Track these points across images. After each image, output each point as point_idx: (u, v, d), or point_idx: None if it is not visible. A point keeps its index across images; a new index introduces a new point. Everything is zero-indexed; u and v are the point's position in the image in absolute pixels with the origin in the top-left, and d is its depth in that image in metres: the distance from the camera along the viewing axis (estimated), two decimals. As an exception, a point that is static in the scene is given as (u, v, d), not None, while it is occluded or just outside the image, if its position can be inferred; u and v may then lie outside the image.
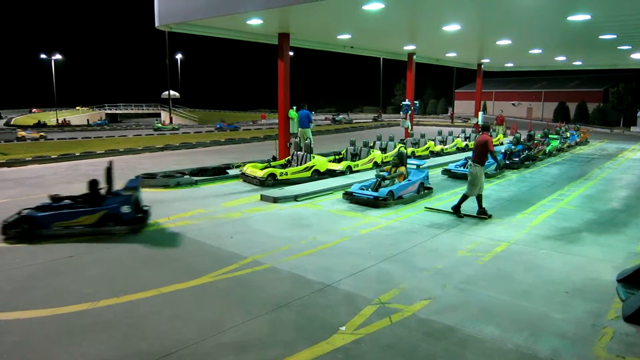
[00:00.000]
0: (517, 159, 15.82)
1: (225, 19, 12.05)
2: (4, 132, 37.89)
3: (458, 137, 21.74)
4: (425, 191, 11.25)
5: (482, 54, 22.27)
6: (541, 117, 54.17)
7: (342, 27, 14.11)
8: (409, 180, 10.83)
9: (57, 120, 55.08)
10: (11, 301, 5.34)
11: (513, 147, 16.52)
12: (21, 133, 32.13)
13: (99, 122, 49.26)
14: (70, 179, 13.83)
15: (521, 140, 17.37)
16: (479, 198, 9.30)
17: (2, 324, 4.77)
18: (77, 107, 68.30)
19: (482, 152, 9.23)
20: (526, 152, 16.64)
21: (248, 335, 4.58)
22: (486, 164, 10.13)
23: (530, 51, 19.24)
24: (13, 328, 4.70)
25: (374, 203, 9.98)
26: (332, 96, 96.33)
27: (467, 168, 10.86)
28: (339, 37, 15.91)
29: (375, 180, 10.69)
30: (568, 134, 22.87)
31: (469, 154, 12.60)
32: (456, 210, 9.32)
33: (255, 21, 12.18)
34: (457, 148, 20.37)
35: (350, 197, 10.47)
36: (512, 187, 12.52)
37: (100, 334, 4.59)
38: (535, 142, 18.37)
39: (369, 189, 10.47)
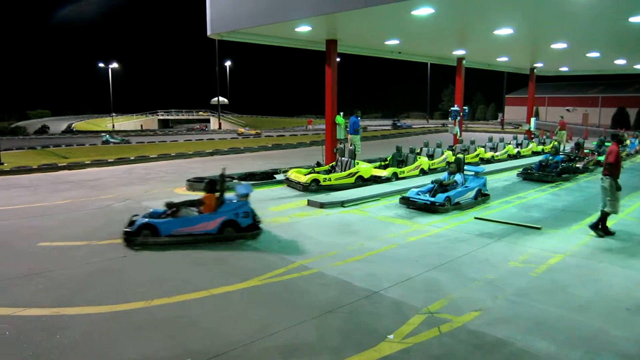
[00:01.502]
0: (553, 172, 14.21)
1: (275, 27, 12.25)
2: (64, 136, 39.99)
3: (509, 143, 21.13)
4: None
5: (535, 58, 21.59)
6: (598, 124, 51.89)
7: (391, 32, 14.04)
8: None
9: (113, 125, 57.53)
10: (73, 297, 5.60)
11: (551, 157, 15.03)
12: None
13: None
14: (125, 182, 14.39)
15: (561, 149, 16.10)
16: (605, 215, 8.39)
17: (65, 319, 5.02)
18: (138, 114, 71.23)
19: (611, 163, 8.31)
20: (565, 163, 14.88)
21: (295, 339, 4.61)
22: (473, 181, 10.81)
23: (588, 54, 18.48)
24: (75, 323, 4.93)
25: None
26: (379, 102, 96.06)
27: (429, 196, 10.32)
28: (386, 42, 15.84)
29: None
30: (628, 142, 21.78)
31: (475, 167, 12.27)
32: (596, 228, 8.34)
33: (303, 28, 12.32)
34: (509, 155, 19.80)
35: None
36: (567, 197, 12.04)
37: (154, 332, 4.74)
38: (586, 151, 17.10)
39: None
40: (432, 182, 10.76)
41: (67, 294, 5.71)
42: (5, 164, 18.29)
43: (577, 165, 15.66)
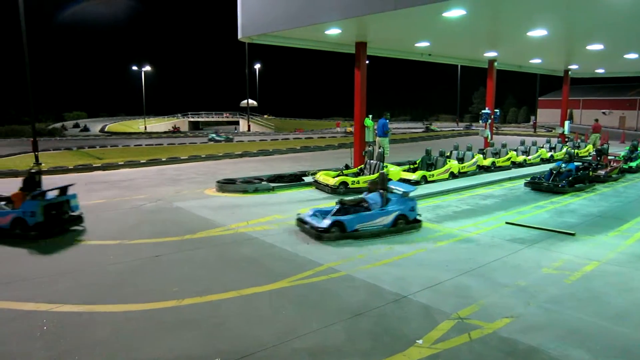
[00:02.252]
0: (564, 181, 12.76)
1: (305, 30, 12.31)
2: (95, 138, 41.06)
3: (542, 147, 20.66)
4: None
5: (569, 59, 21.07)
6: (636, 127, 50.24)
7: (421, 34, 13.94)
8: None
9: (145, 127, 58.82)
10: (106, 295, 5.75)
11: (564, 165, 13.45)
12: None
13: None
14: (157, 182, 14.69)
15: (575, 156, 14.50)
16: None
17: (99, 316, 5.16)
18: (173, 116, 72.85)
19: None
20: (581, 172, 13.46)
21: (324, 342, 4.61)
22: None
23: (625, 56, 17.93)
24: (108, 320, 5.06)
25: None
26: (407, 104, 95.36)
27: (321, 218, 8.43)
28: (417, 44, 15.72)
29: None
30: None
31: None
32: None
33: (333, 31, 12.34)
34: (542, 159, 19.34)
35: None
36: (603, 202, 11.69)
37: (185, 331, 4.82)
38: (610, 158, 15.77)
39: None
40: (337, 203, 8.86)
41: (101, 291, 5.87)
42: (43, 164, 18.90)
43: (599, 173, 14.44)
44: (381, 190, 8.91)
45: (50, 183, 14.46)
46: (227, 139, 37.16)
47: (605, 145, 16.91)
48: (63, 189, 8.94)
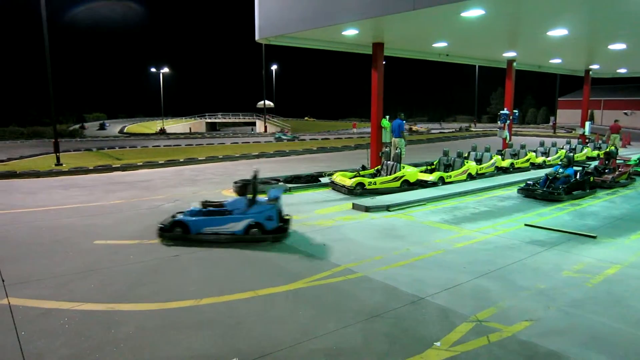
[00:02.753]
0: (560, 188, 11.75)
1: (322, 31, 12.33)
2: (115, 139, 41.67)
3: (562, 148, 20.37)
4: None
5: (590, 59, 20.74)
6: (659, 128, 49.16)
7: (439, 35, 13.85)
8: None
9: (163, 128, 59.51)
10: (126, 294, 5.82)
11: (561, 170, 12.46)
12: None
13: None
14: (175, 183, 14.83)
15: (574, 160, 13.44)
16: None
17: (119, 315, 5.22)
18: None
19: None
20: (580, 177, 12.47)
21: (341, 343, 4.61)
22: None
23: (648, 55, 17.61)
24: (128, 319, 5.12)
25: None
26: (424, 105, 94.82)
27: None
28: (434, 45, 15.63)
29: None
30: None
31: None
32: None
33: (351, 32, 12.34)
34: (587, 157, 19.06)
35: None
36: (625, 205, 11.48)
37: (203, 330, 4.86)
38: (619, 161, 14.91)
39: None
40: (200, 203, 8.60)
41: (120, 290, 5.94)
42: (64, 165, 19.22)
43: (605, 178, 13.60)
44: (249, 195, 8.21)
45: (71, 184, 14.70)
46: (293, 138, 38.62)
47: (613, 148, 16.09)
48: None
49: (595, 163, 15.63)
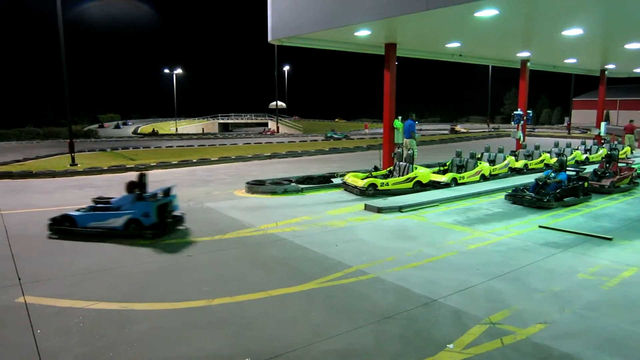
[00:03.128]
0: (550, 195, 10.91)
1: (335, 31, 12.33)
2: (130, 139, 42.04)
3: (577, 149, 20.13)
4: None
5: (606, 59, 20.47)
6: (676, 128, 48.35)
7: (452, 35, 13.78)
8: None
9: (177, 129, 59.96)
10: (140, 293, 5.87)
11: (553, 174, 11.71)
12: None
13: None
14: (188, 183, 14.93)
15: (567, 165, 12.48)
16: None
17: (133, 314, 5.27)
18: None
19: None
20: (573, 182, 11.58)
21: (353, 344, 4.60)
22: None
23: (666, 55, 17.33)
24: (141, 318, 5.17)
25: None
26: (437, 105, 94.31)
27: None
28: (447, 45, 15.55)
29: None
30: None
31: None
32: None
33: (363, 32, 12.33)
34: (576, 161, 18.84)
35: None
36: (641, 206, 11.31)
37: (216, 330, 4.89)
38: (622, 165, 13.99)
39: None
40: (93, 200, 9.33)
41: (134, 289, 6.00)
42: (78, 165, 19.46)
43: (603, 183, 12.68)
44: (137, 192, 8.43)
45: (86, 184, 14.86)
46: (343, 137, 40.48)
47: (614, 151, 14.95)
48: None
49: (595, 166, 14.68)
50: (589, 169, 14.71)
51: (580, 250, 7.69)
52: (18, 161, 22.63)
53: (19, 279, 6.28)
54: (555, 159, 18.17)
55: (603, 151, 20.81)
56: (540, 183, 11.47)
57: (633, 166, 14.68)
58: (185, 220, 9.16)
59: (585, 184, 11.88)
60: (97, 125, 63.51)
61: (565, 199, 11.14)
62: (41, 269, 6.73)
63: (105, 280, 6.32)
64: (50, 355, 4.37)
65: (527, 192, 11.40)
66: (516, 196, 11.38)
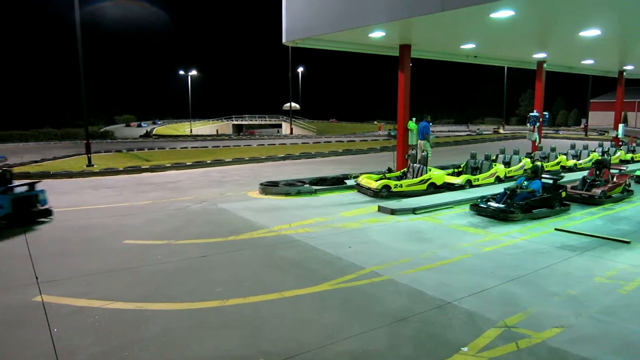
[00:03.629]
0: (516, 205, 9.88)
1: (349, 33, 12.31)
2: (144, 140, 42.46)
3: (594, 151, 19.84)
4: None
5: (624, 60, 20.14)
6: (697, 130, 47.46)
7: (467, 36, 13.68)
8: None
9: (191, 130, 60.41)
10: (155, 293, 5.93)
11: (525, 183, 10.70)
12: None
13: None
14: (202, 184, 15.03)
15: (542, 173, 11.50)
16: None
17: (148, 314, 5.32)
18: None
19: None
20: (547, 192, 10.57)
21: (367, 346, 4.59)
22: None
23: (686, 56, 17.02)
24: (156, 318, 5.22)
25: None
26: (451, 106, 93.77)
27: None
28: (462, 46, 15.43)
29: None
30: None
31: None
32: None
33: (378, 34, 12.30)
34: (562, 167, 18.46)
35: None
36: (660, 209, 11.10)
37: (229, 331, 4.91)
38: (614, 171, 13.02)
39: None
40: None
41: (149, 290, 6.05)
42: (95, 166, 19.71)
43: (593, 192, 11.37)
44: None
45: (102, 184, 15.05)
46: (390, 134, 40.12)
47: (606, 157, 13.95)
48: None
49: (584, 173, 13.42)
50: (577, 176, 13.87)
51: (597, 254, 7.58)
52: (36, 162, 23.00)
53: (36, 278, 6.38)
54: (571, 161, 17.99)
55: (620, 153, 20.51)
56: (509, 193, 10.35)
57: (627, 172, 13.58)
58: (53, 212, 10.02)
59: (563, 193, 10.90)
60: (123, 125, 65.04)
61: (534, 211, 10.06)
62: (58, 268, 6.83)
63: (120, 280, 6.39)
64: (67, 354, 4.43)
65: (494, 202, 10.28)
66: (479, 206, 10.26)
